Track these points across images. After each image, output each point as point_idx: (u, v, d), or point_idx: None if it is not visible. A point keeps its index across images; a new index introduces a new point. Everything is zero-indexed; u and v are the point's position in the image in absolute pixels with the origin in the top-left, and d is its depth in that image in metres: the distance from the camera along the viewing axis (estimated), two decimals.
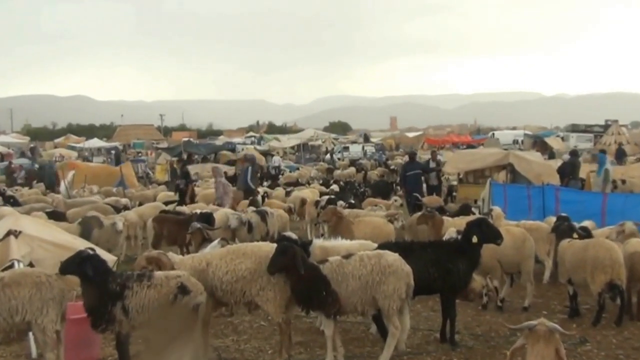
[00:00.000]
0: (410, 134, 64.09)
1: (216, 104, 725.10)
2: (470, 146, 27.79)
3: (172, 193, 15.01)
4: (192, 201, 13.17)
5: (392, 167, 30.18)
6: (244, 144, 49.16)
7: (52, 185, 18.15)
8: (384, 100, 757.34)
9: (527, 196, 9.99)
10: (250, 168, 12.97)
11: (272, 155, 34.87)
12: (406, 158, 18.68)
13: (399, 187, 19.08)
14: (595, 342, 5.32)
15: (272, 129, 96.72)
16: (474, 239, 5.25)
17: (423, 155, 35.56)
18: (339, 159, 36.95)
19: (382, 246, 5.27)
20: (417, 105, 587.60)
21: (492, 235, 5.37)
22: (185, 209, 10.62)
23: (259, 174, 26.51)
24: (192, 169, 27.53)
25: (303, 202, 12.53)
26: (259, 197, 14.11)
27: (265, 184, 21.75)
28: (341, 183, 20.01)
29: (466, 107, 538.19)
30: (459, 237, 5.53)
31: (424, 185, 13.23)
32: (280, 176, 25.63)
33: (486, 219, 5.82)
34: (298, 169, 29.42)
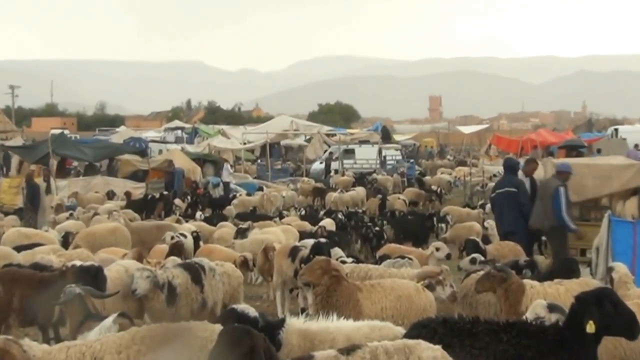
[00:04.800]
0: (466, 128, 64.76)
1: (114, 69, 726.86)
2: (570, 151, 27.84)
3: (33, 228, 15.33)
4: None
5: (432, 187, 30.43)
6: (163, 141, 49.24)
7: None
8: (419, 66, 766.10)
9: None
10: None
11: (214, 164, 34.94)
12: (496, 169, 18.75)
13: (443, 224, 19.26)
14: None
15: (216, 114, 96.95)
16: (589, 326, 5.27)
17: (493, 166, 36.05)
18: (335, 171, 37.15)
19: (414, 330, 5.32)
20: (478, 76, 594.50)
21: (621, 321, 5.35)
22: (53, 258, 10.57)
23: (188, 197, 26.72)
24: (68, 185, 27.60)
25: (269, 249, 12.54)
26: (187, 238, 14.07)
27: (199, 215, 21.73)
28: (340, 215, 20.08)
29: (567, 80, 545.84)
30: (558, 318, 5.58)
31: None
32: (229, 201, 25.56)
33: (612, 292, 5.85)
34: (261, 188, 29.46)
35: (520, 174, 14.19)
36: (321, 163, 41.70)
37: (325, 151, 42.78)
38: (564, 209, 12.26)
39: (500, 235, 14.16)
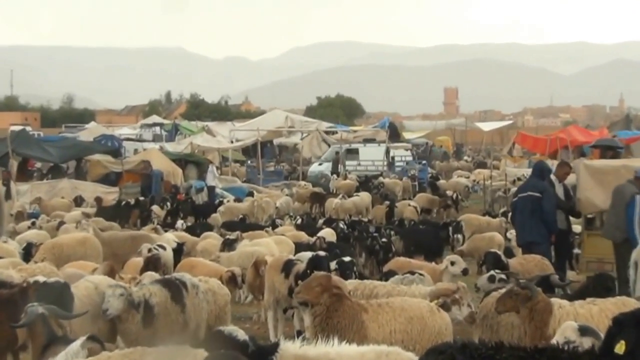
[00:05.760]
0: (486, 124, 65.05)
1: (83, 57, 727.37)
2: (605, 151, 27.76)
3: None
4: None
5: (447, 192, 30.42)
6: (139, 139, 49.23)
7: None
8: (432, 54, 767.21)
9: None
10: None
11: (197, 165, 34.97)
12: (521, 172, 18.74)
13: (459, 235, 19.27)
14: None
15: (199, 109, 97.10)
16: (619, 347, 5.27)
17: (517, 169, 35.91)
18: (337, 174, 37.20)
19: (429, 357, 5.40)
20: (500, 65, 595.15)
21: None
22: (13, 272, 10.56)
23: (167, 204, 26.62)
24: (31, 189, 27.52)
25: (260, 263, 12.55)
26: (166, 251, 14.06)
27: (180, 224, 21.74)
28: (341, 224, 20.10)
29: (602, 70, 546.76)
30: (593, 343, 5.61)
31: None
32: (214, 208, 25.61)
33: None
34: (252, 193, 29.51)
35: (552, 178, 14.22)
36: (320, 165, 41.68)
37: (337, 152, 42.16)
38: (636, 220, 12.22)
39: (521, 246, 14.20)
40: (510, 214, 19.33)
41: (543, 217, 13.43)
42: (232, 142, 44.42)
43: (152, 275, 10.85)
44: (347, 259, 11.53)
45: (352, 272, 10.99)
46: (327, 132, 46.71)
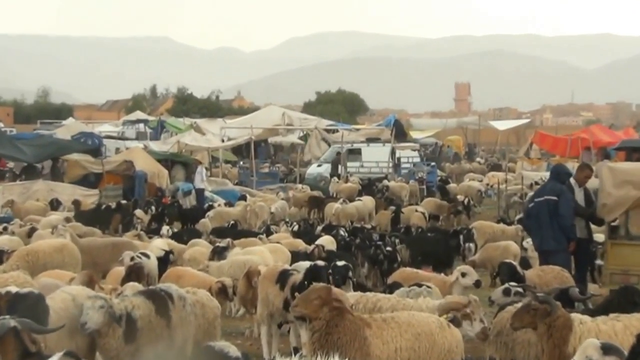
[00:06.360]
0: (501, 123, 65.12)
1: (60, 47, 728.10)
2: (631, 153, 27.87)
3: None
4: None
5: (458, 197, 30.41)
6: (121, 137, 49.22)
7: None
8: (442, 46, 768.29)
9: None
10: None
11: (185, 166, 34.97)
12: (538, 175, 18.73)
13: (471, 244, 19.27)
14: None
15: (187, 104, 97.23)
16: None
17: (534, 172, 35.95)
18: (337, 176, 37.22)
19: None
20: (516, 59, 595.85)
21: None
22: None
23: (152, 208, 26.55)
24: (2, 191, 27.46)
25: (252, 274, 12.55)
26: (150, 259, 14.05)
27: (166, 230, 21.75)
28: (342, 231, 20.12)
29: (627, 65, 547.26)
30: None
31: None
32: (203, 213, 25.63)
33: None
34: (244, 197, 29.53)
35: (572, 182, 14.20)
36: (319, 166, 41.67)
37: (339, 152, 42.04)
38: None
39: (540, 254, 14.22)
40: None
41: (559, 221, 13.45)
42: (223, 140, 44.48)
43: (134, 286, 10.84)
44: (340, 263, 11.55)
45: (345, 278, 10.97)
46: (327, 131, 46.76)
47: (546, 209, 13.50)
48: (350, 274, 11.68)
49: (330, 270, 11.06)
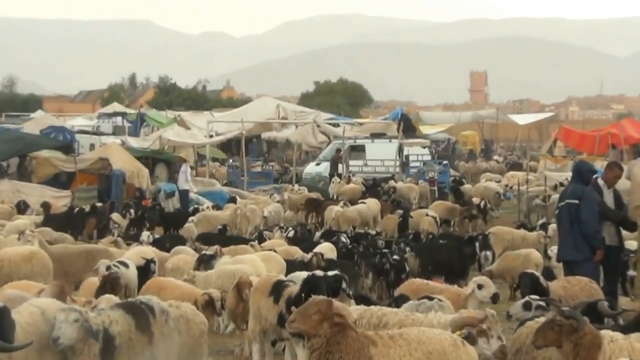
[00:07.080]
0: (521, 117, 65.18)
1: (29, 31, 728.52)
2: None
3: None
4: None
5: (473, 199, 30.41)
6: (97, 132, 49.22)
7: None
8: (456, 30, 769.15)
9: None
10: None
11: (167, 165, 34.99)
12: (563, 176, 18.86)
13: (487, 252, 19.28)
14: None
15: (171, 95, 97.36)
16: None
17: (558, 172, 36.03)
18: (338, 176, 37.27)
19: None
20: (538, 45, 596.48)
21: None
22: None
23: (130, 211, 26.54)
24: None
25: (243, 285, 12.56)
26: (129, 268, 14.05)
27: (147, 235, 21.76)
28: (343, 238, 20.13)
29: None
30: None
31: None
32: (188, 217, 25.66)
33: None
34: (234, 199, 29.56)
35: (600, 183, 14.17)
36: (317, 165, 41.67)
37: (340, 150, 42.00)
38: None
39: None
40: (551, 226, 19.41)
41: (581, 228, 13.43)
42: (210, 136, 44.47)
43: (109, 298, 10.84)
44: (331, 273, 11.50)
45: (337, 291, 10.93)
46: (329, 123, 46.70)
47: (567, 214, 13.54)
48: (344, 285, 11.59)
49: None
